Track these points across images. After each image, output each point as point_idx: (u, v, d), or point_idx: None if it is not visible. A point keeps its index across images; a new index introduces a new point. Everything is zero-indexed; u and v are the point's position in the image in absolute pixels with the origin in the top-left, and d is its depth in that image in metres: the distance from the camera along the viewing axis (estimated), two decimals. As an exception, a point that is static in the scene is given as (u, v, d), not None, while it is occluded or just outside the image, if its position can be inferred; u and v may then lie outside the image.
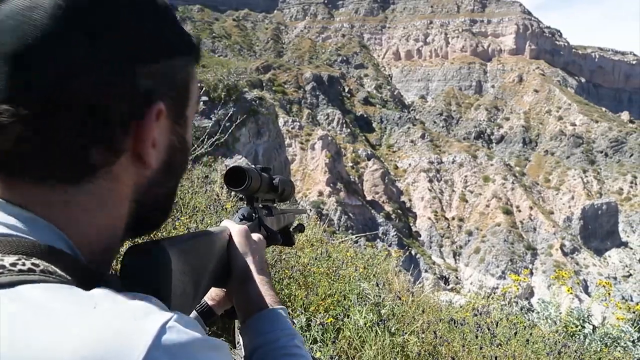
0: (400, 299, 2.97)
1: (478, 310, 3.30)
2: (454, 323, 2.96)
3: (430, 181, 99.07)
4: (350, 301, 3.05)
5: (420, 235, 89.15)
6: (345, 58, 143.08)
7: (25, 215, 0.49)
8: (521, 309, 3.57)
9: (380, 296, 2.91)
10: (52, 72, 0.47)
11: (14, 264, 0.43)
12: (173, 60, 0.58)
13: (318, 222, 5.84)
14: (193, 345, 0.42)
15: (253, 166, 0.99)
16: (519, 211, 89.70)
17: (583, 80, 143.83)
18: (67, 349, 0.36)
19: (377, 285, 3.09)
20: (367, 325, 2.68)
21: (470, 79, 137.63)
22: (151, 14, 0.56)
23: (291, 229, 1.31)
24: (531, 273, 79.08)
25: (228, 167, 0.91)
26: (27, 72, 0.47)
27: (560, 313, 4.54)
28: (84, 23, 0.49)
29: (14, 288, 0.41)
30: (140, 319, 0.41)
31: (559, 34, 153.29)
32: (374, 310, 2.83)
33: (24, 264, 0.43)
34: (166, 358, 0.39)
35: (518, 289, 5.41)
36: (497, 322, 3.08)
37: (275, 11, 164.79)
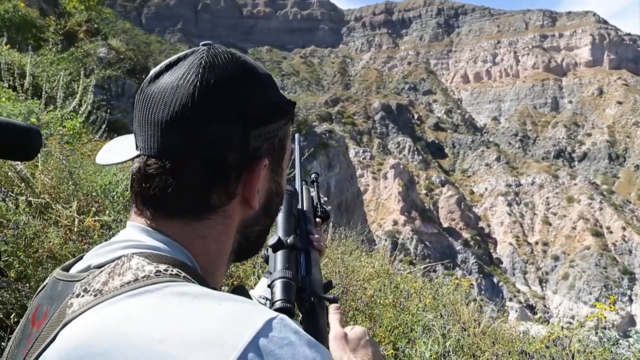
0: (465, 330, 2.90)
1: (554, 342, 3.14)
2: (526, 355, 2.83)
3: (509, 205, 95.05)
4: (416, 333, 3.02)
5: (502, 262, 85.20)
6: (412, 85, 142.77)
7: (166, 239, 0.67)
8: (600, 340, 3.34)
9: (445, 327, 2.87)
10: (189, 134, 0.65)
11: (166, 270, 0.60)
12: (276, 123, 0.72)
13: (386, 253, 5.82)
14: (293, 339, 0.54)
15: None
16: (611, 232, 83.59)
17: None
18: (205, 327, 0.52)
19: (442, 317, 3.04)
20: (432, 357, 2.65)
21: (544, 96, 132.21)
22: (262, 90, 0.72)
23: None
24: (630, 300, 72.77)
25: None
26: (172, 135, 0.65)
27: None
28: (213, 98, 0.65)
29: (170, 286, 0.58)
30: (253, 313, 0.55)
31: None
32: (439, 341, 2.79)
33: (172, 270, 0.61)
34: (271, 345, 0.52)
35: (605, 318, 5.04)
36: (573, 355, 2.91)
37: (341, 45, 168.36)
